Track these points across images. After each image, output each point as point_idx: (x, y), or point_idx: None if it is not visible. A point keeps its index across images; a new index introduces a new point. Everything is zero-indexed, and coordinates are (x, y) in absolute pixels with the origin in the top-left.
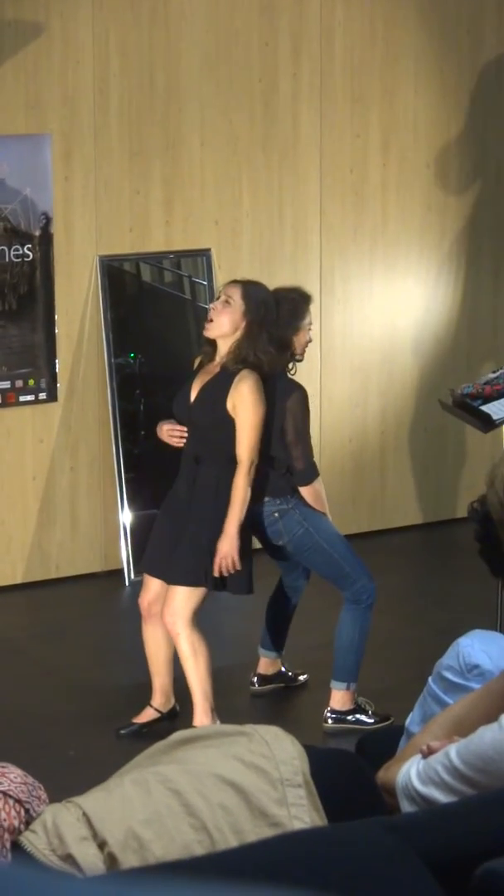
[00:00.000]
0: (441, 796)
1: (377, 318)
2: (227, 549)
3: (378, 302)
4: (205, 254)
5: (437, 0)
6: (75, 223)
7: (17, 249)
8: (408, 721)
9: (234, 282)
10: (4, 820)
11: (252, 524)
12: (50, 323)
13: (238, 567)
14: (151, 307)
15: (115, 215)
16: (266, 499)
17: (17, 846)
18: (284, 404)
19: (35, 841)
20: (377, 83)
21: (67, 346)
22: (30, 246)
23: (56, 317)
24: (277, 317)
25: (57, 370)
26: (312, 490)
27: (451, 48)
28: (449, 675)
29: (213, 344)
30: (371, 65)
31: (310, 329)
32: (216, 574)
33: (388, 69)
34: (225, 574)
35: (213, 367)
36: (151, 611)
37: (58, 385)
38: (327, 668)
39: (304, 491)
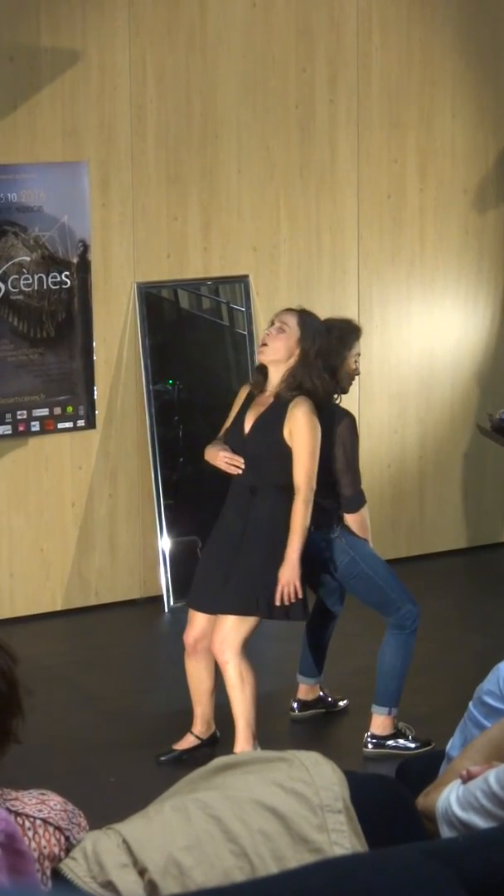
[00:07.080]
0: (481, 822)
1: (415, 343)
2: (290, 576)
3: (416, 327)
4: (243, 280)
5: (474, 24)
6: (113, 250)
7: (54, 276)
8: (448, 746)
9: (290, 309)
10: (45, 847)
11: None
12: (88, 350)
13: (300, 595)
14: (189, 333)
15: (152, 242)
16: (311, 529)
17: (57, 874)
18: (334, 431)
19: (75, 868)
20: (414, 108)
21: (106, 372)
22: (67, 273)
23: (94, 344)
24: (328, 345)
25: (95, 397)
26: (359, 517)
27: (488, 72)
28: (490, 699)
29: (263, 373)
30: (408, 90)
31: (356, 361)
32: (277, 602)
33: (424, 94)
34: (286, 602)
35: (266, 398)
36: (198, 647)
37: (96, 412)
38: (367, 692)
39: (351, 518)
